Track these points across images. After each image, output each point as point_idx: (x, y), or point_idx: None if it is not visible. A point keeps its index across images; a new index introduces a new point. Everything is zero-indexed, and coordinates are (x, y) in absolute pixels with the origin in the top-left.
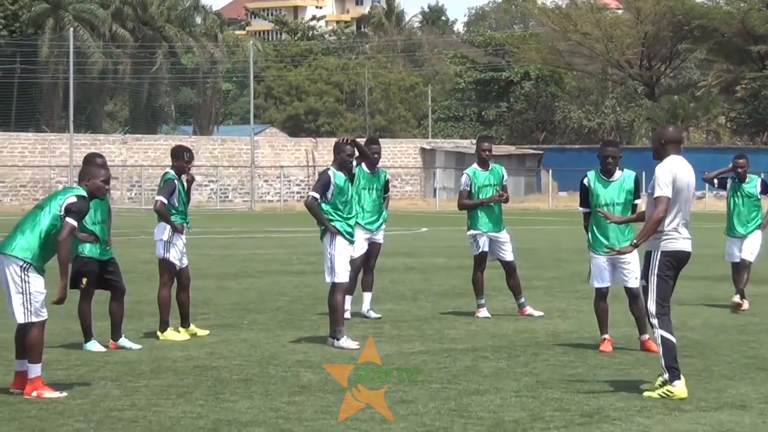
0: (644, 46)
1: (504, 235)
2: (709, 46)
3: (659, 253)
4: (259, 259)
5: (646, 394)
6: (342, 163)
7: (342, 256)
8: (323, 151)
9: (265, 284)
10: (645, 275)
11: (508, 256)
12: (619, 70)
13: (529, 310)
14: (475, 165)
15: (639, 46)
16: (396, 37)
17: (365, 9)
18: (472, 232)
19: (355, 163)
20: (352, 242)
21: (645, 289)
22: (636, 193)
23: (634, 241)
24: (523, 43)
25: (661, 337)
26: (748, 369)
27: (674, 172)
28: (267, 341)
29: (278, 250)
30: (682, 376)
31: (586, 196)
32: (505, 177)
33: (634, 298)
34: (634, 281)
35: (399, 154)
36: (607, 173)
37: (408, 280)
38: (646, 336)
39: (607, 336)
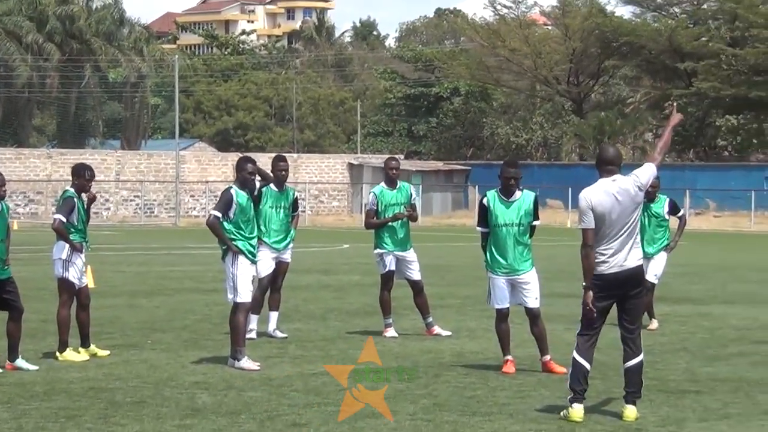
0: (572, 63)
1: (411, 254)
2: (636, 63)
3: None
4: (173, 276)
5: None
6: (244, 181)
7: (244, 275)
8: None
9: (176, 302)
10: None
11: (415, 275)
12: (547, 86)
13: (436, 329)
14: (382, 184)
15: (567, 63)
16: (326, 52)
17: (296, 24)
18: (378, 251)
19: (258, 183)
20: (254, 262)
21: None
22: (535, 214)
23: (584, 284)
24: (451, 59)
25: (573, 358)
26: (648, 391)
27: (590, 199)
28: (167, 362)
29: (195, 267)
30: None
31: (485, 215)
32: (414, 196)
33: (534, 318)
34: (533, 301)
35: (326, 170)
36: (507, 194)
37: (321, 299)
38: (548, 357)
39: (509, 357)
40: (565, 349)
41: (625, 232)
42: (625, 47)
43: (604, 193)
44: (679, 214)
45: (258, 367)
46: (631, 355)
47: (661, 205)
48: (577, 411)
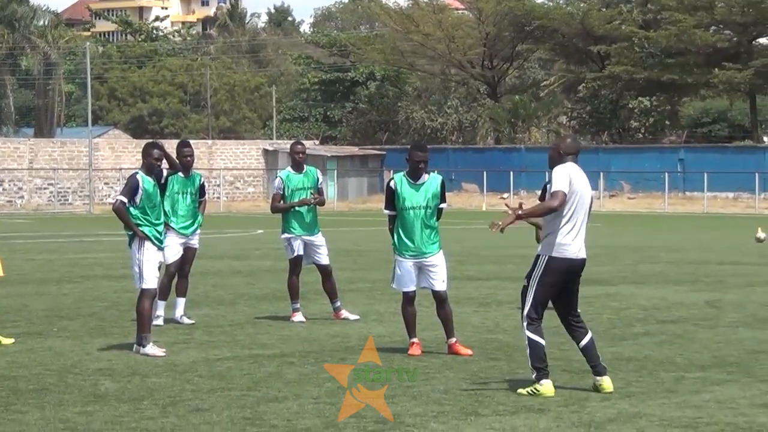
0: (486, 47)
1: (319, 239)
2: (550, 47)
3: (546, 258)
4: (84, 263)
5: (519, 390)
6: (150, 167)
7: (150, 261)
8: None
9: (85, 289)
10: (528, 276)
11: (324, 259)
12: (461, 70)
13: (344, 313)
14: (289, 168)
15: (481, 47)
16: (240, 38)
17: (211, 10)
18: (285, 235)
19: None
20: (161, 248)
21: (525, 289)
22: (442, 197)
23: (520, 212)
24: (366, 44)
25: (528, 338)
26: (552, 371)
27: (570, 174)
28: (72, 349)
29: (106, 254)
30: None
31: (393, 198)
32: (321, 180)
33: (441, 302)
34: (440, 284)
35: (242, 156)
36: (415, 177)
37: (231, 284)
38: (454, 339)
39: (415, 339)
40: (472, 331)
41: (582, 217)
42: (538, 31)
43: (579, 174)
44: None
45: (163, 354)
46: (582, 335)
47: None
48: (547, 387)
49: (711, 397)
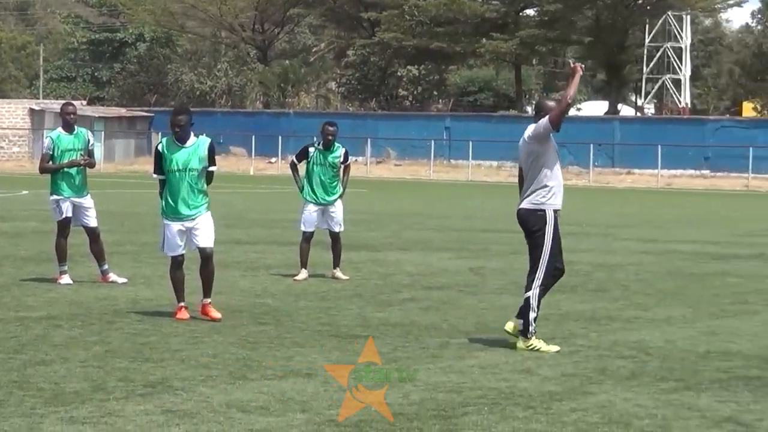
0: (257, 10)
1: (88, 201)
2: (321, 12)
3: None
4: None
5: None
6: None
7: None
8: None
9: None
10: None
11: (92, 222)
12: (231, 33)
13: (112, 276)
14: (59, 129)
15: (252, 10)
16: None
17: None
18: (54, 197)
19: None
20: None
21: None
22: (210, 159)
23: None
24: (136, 4)
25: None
26: (321, 336)
27: None
28: None
29: None
30: None
31: (161, 162)
32: (91, 142)
33: (206, 259)
34: (205, 242)
35: (7, 115)
36: (180, 139)
37: None
38: (209, 300)
39: (183, 303)
40: (240, 295)
41: (526, 175)
42: None
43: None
44: (347, 162)
45: None
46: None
47: (338, 154)
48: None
49: (475, 363)
